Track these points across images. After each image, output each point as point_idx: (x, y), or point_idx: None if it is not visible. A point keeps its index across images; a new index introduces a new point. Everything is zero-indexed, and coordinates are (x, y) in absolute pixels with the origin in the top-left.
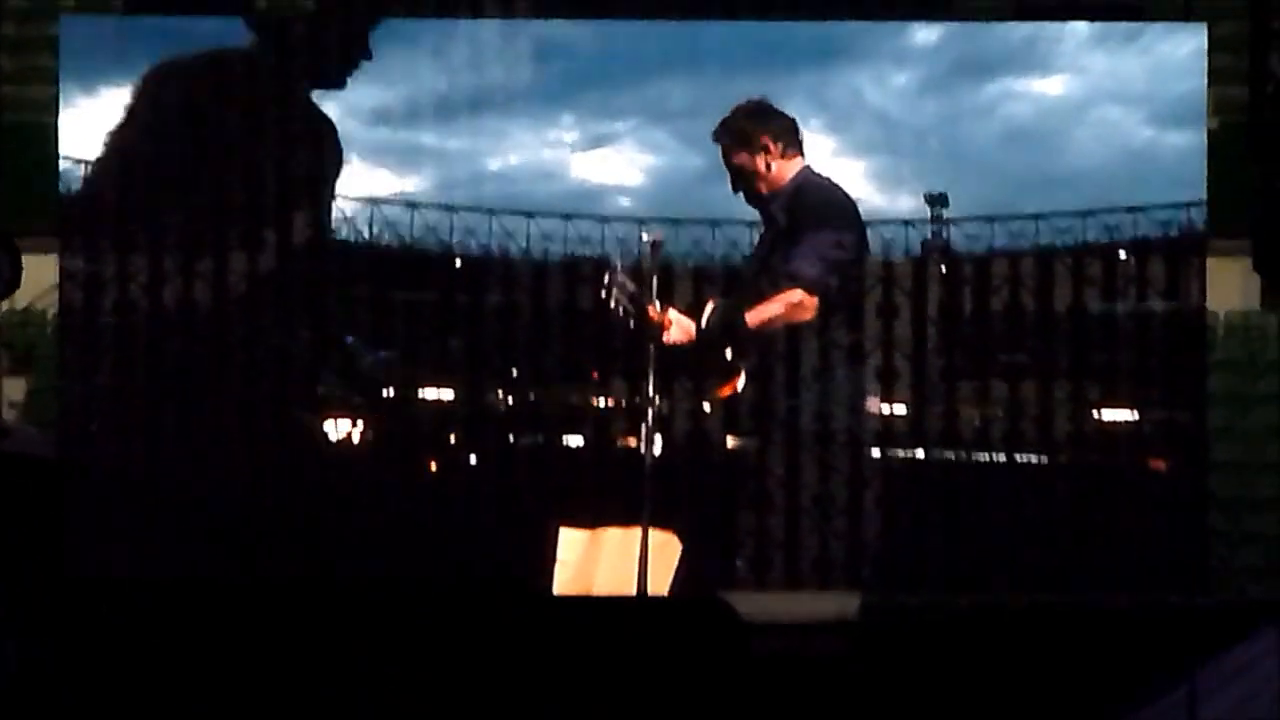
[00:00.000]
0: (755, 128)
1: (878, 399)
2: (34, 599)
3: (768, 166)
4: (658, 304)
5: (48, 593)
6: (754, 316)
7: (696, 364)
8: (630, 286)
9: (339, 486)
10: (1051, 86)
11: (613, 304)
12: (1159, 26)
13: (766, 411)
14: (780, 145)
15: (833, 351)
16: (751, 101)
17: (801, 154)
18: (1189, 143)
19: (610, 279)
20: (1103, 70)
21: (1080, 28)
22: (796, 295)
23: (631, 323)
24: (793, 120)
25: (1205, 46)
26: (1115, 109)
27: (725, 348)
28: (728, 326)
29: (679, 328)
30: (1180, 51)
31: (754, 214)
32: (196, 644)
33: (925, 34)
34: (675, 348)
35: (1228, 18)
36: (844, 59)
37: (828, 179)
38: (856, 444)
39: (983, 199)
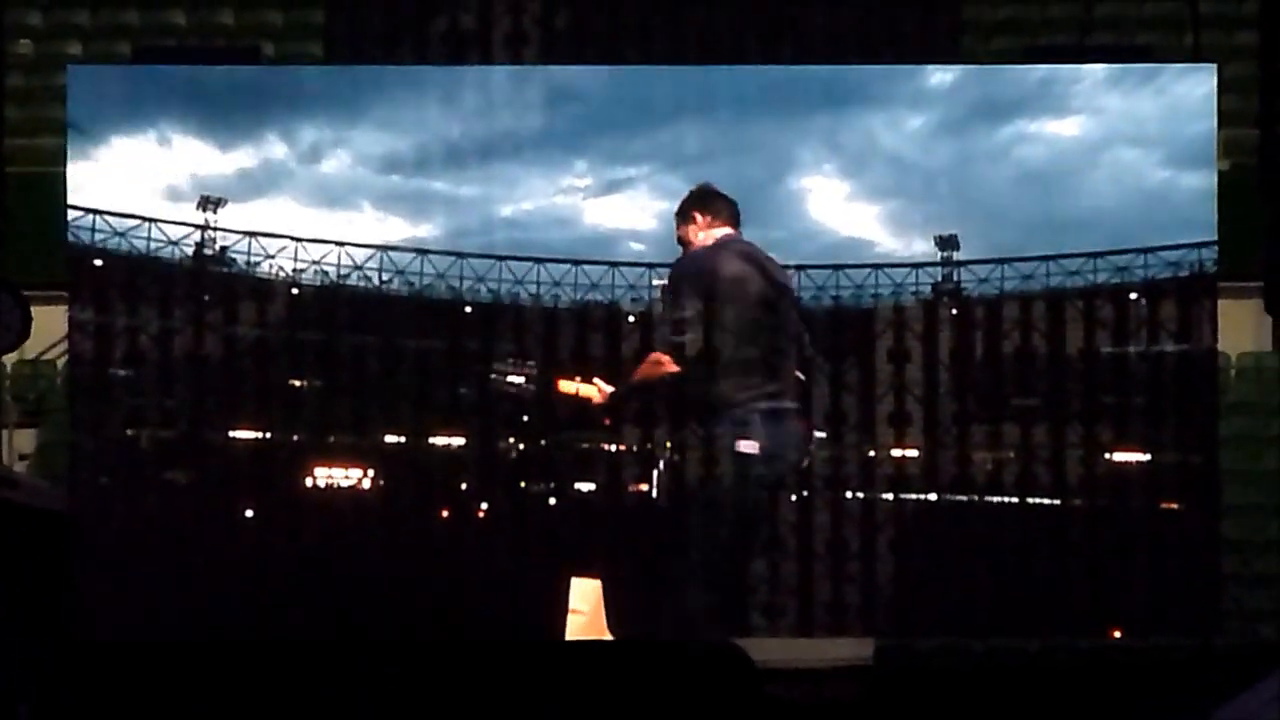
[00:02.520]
0: (689, 205)
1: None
2: (46, 659)
3: (695, 236)
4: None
5: (60, 653)
6: (636, 375)
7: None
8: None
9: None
10: (1065, 128)
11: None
12: (1171, 69)
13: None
14: (705, 218)
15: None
16: (698, 185)
17: (729, 226)
18: (1200, 184)
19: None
20: (1116, 112)
21: (1094, 70)
22: (654, 355)
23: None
24: (721, 199)
25: (1215, 88)
26: (1128, 151)
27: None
28: (629, 387)
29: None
30: (1192, 93)
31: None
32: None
33: (940, 77)
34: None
35: (1237, 59)
36: (858, 102)
37: (715, 246)
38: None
39: (997, 242)
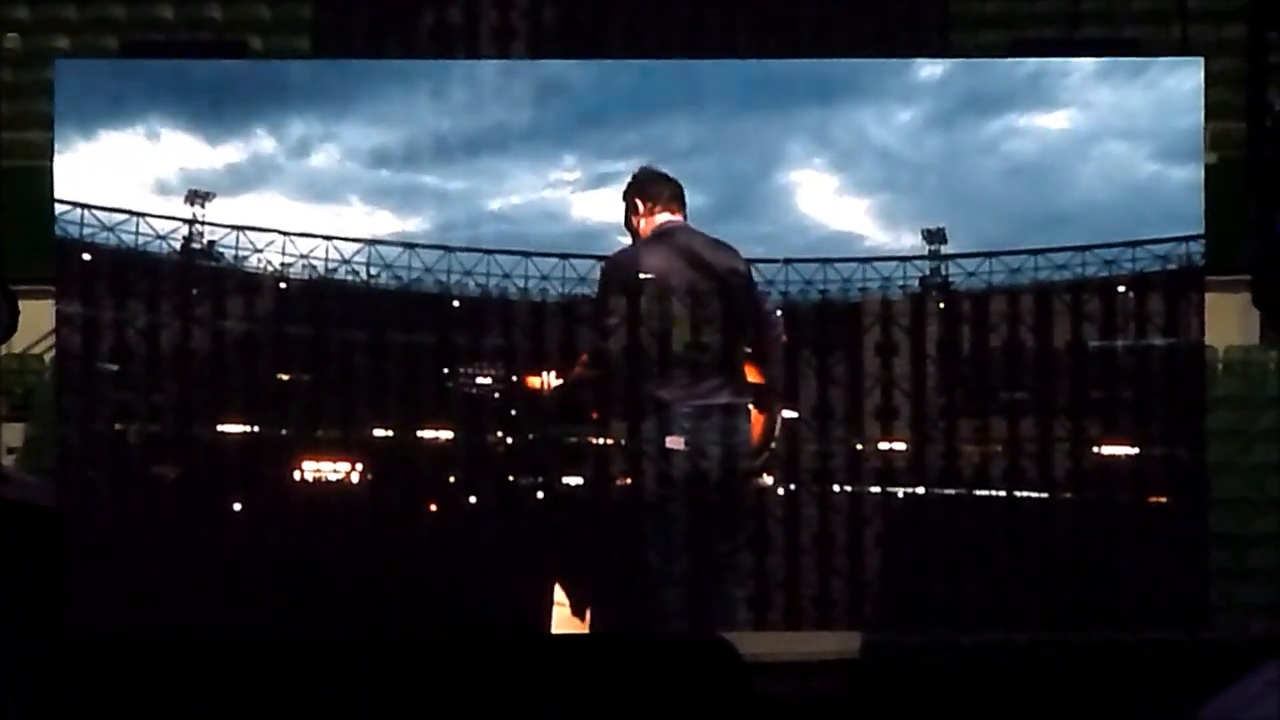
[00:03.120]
0: (629, 192)
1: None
2: (40, 656)
3: (634, 225)
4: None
5: (53, 650)
6: (573, 374)
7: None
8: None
9: (345, 534)
10: (1055, 122)
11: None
12: (1160, 62)
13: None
14: (645, 204)
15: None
16: (639, 169)
17: (669, 211)
18: (1190, 177)
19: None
20: (1106, 106)
21: (1084, 64)
22: (583, 356)
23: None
24: (662, 182)
25: (1202, 82)
26: (1118, 144)
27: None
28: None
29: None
30: (1182, 87)
31: (754, 252)
32: (206, 704)
33: (930, 70)
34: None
35: (1225, 53)
36: (848, 96)
37: (647, 240)
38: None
39: (985, 235)
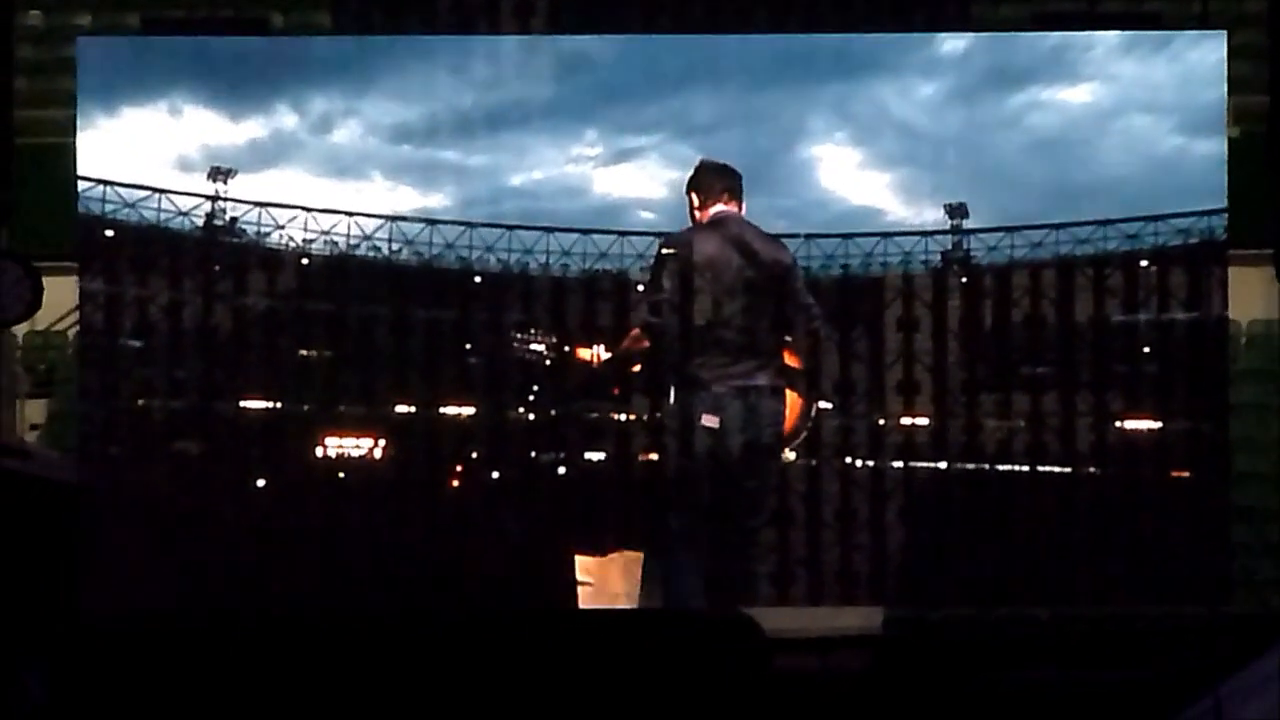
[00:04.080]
0: (688, 185)
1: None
2: (57, 629)
3: (693, 215)
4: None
5: (70, 624)
6: (620, 348)
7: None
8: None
9: (361, 511)
10: (1078, 95)
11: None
12: (1182, 36)
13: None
14: (700, 197)
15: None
16: (699, 161)
17: (722, 202)
18: (1213, 151)
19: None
20: (1129, 79)
21: (1108, 37)
22: (634, 330)
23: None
24: (716, 175)
25: (1225, 55)
26: (1141, 117)
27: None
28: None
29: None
30: (1205, 60)
31: (776, 226)
32: (221, 679)
33: (953, 45)
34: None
35: (1246, 26)
36: (870, 70)
37: (700, 227)
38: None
39: (1007, 210)
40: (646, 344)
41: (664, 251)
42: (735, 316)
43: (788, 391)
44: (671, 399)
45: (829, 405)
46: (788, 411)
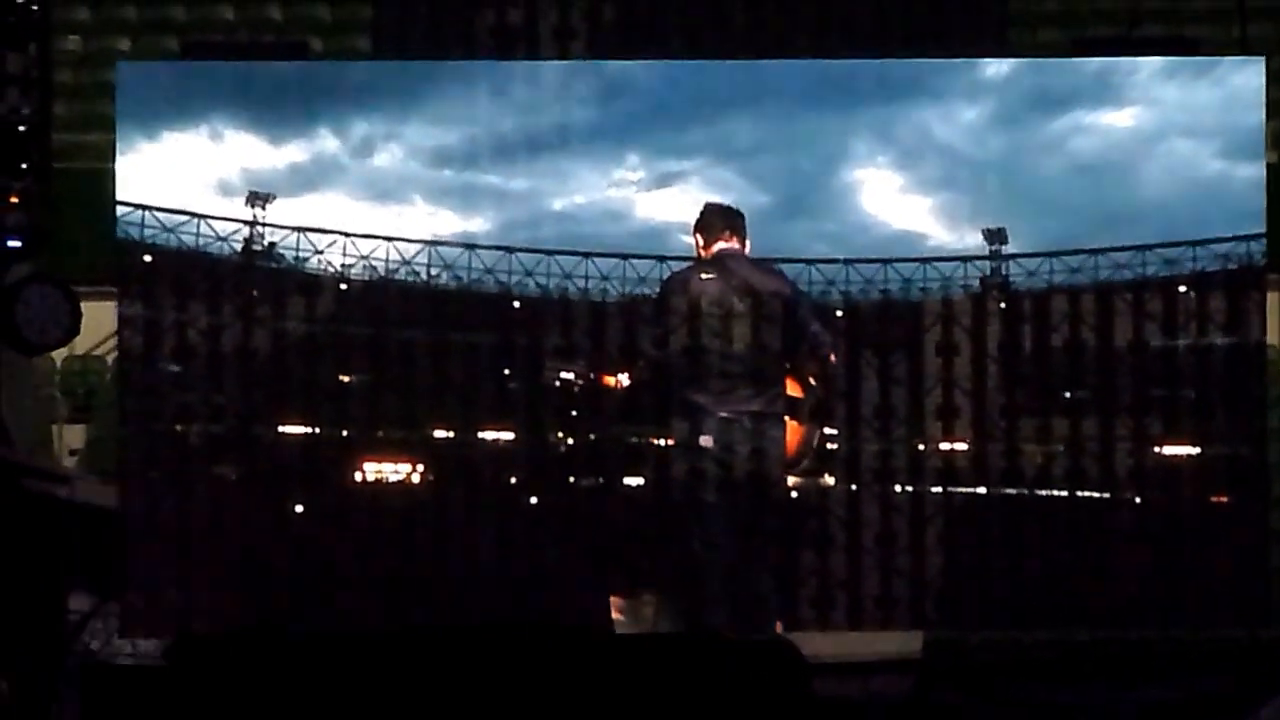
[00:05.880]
0: (695, 226)
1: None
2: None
3: (698, 254)
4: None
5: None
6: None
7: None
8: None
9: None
10: (1120, 120)
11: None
12: (1222, 61)
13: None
14: (702, 237)
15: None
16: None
17: (724, 240)
18: (1250, 176)
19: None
20: (1172, 103)
21: (1150, 61)
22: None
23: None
24: (716, 216)
25: (1264, 80)
26: (1183, 142)
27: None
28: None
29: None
30: (1248, 85)
31: (817, 250)
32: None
33: (996, 69)
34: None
35: None
36: (912, 95)
37: (698, 265)
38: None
39: (1047, 234)
40: (647, 375)
41: (662, 288)
42: (731, 346)
43: (788, 419)
44: (680, 426)
45: (834, 431)
46: (789, 438)
